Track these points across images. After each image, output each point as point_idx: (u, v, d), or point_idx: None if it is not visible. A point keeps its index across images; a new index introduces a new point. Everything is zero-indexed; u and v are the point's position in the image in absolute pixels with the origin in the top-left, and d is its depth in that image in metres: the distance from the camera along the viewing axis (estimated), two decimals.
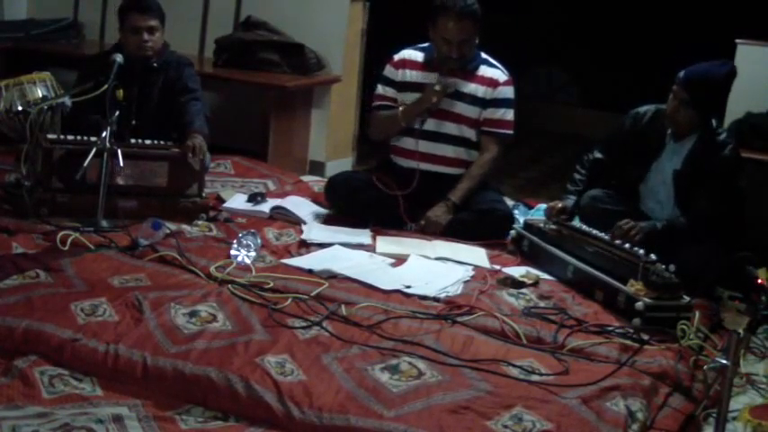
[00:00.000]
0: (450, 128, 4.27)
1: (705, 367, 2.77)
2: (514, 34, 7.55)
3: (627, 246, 3.58)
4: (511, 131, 4.31)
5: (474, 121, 4.27)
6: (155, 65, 4.37)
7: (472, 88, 4.25)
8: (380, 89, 4.39)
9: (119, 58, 4.10)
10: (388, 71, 4.37)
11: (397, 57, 4.37)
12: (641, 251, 3.48)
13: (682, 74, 3.79)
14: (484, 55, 4.32)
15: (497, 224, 4.18)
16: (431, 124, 4.27)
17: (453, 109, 4.25)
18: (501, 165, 4.46)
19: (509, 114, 4.29)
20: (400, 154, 4.37)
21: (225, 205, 4.32)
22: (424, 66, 4.29)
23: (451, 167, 4.30)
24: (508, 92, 4.29)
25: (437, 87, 4.16)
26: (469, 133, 4.28)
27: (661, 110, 3.92)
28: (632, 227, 3.71)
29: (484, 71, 4.27)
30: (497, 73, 4.27)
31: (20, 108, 4.24)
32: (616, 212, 3.94)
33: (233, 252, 3.64)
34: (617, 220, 3.85)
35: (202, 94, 4.46)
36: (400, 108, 4.28)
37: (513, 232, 4.15)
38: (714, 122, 3.89)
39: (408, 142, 4.32)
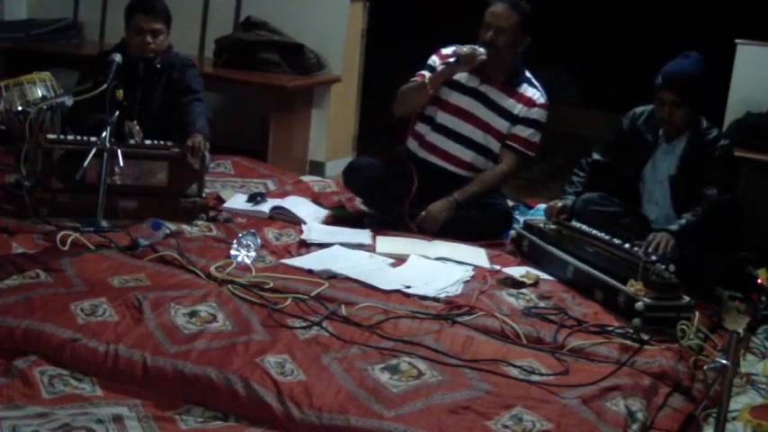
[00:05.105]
0: (477, 135, 4.29)
1: (705, 367, 2.77)
2: None
3: (627, 245, 3.58)
4: (532, 154, 4.33)
5: (501, 134, 4.29)
6: (158, 66, 4.37)
7: (510, 104, 4.27)
8: (422, 72, 4.35)
9: (117, 57, 4.10)
10: (433, 60, 4.36)
11: (445, 50, 4.35)
12: (641, 251, 3.48)
13: (660, 79, 3.80)
14: (528, 73, 4.34)
15: (496, 220, 4.20)
16: (458, 125, 4.29)
17: (487, 120, 4.27)
18: (514, 177, 4.45)
19: (536, 137, 4.30)
20: (421, 143, 4.36)
21: (225, 205, 4.32)
22: None
23: (466, 171, 4.31)
24: (541, 115, 4.30)
25: (465, 49, 4.16)
26: (494, 145, 4.30)
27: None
28: (660, 241, 3.64)
29: (524, 89, 4.30)
30: (537, 94, 4.30)
31: (20, 108, 4.24)
32: (609, 214, 3.94)
33: (233, 252, 3.64)
34: (610, 221, 3.85)
35: (206, 95, 4.47)
36: (428, 76, 4.26)
37: (512, 232, 4.16)
38: (705, 123, 3.89)
39: (438, 139, 4.32)
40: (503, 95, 4.29)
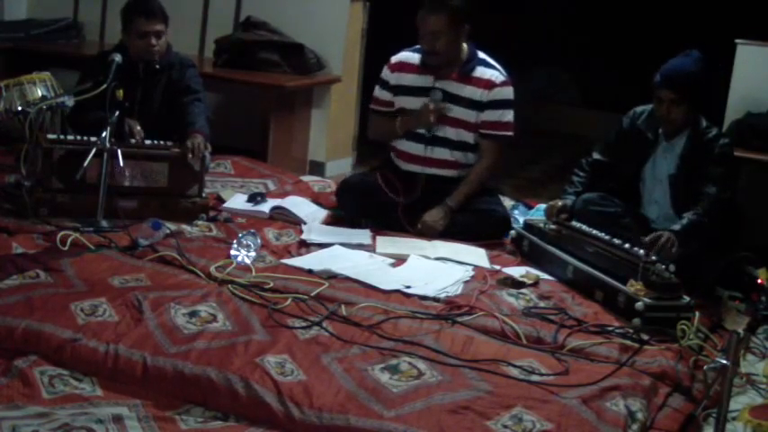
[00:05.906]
0: (449, 132, 4.24)
1: (705, 367, 2.77)
2: (514, 34, 7.55)
3: (627, 245, 3.58)
4: (510, 133, 4.27)
5: (472, 125, 4.23)
6: (158, 66, 4.37)
7: (468, 91, 4.20)
8: (377, 91, 4.38)
9: (117, 57, 4.10)
10: (385, 74, 4.35)
11: (394, 59, 4.34)
12: (641, 251, 3.48)
13: (658, 77, 3.80)
14: (481, 55, 4.26)
15: (494, 225, 4.18)
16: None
17: (453, 114, 4.22)
18: (501, 166, 4.45)
19: (508, 116, 4.24)
20: (403, 158, 4.34)
21: (225, 205, 4.32)
22: (420, 68, 4.26)
23: (449, 170, 4.29)
24: (506, 93, 4.24)
25: (431, 106, 4.15)
26: (467, 137, 4.25)
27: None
28: (666, 240, 3.57)
29: (481, 73, 4.22)
30: (495, 74, 4.22)
31: (20, 108, 4.24)
32: (609, 214, 3.94)
33: (233, 252, 3.64)
34: (610, 221, 3.85)
35: (205, 95, 4.47)
36: (398, 120, 4.27)
37: (512, 232, 4.15)
38: (704, 122, 3.89)
39: (412, 147, 4.29)
40: (460, 85, 4.21)
